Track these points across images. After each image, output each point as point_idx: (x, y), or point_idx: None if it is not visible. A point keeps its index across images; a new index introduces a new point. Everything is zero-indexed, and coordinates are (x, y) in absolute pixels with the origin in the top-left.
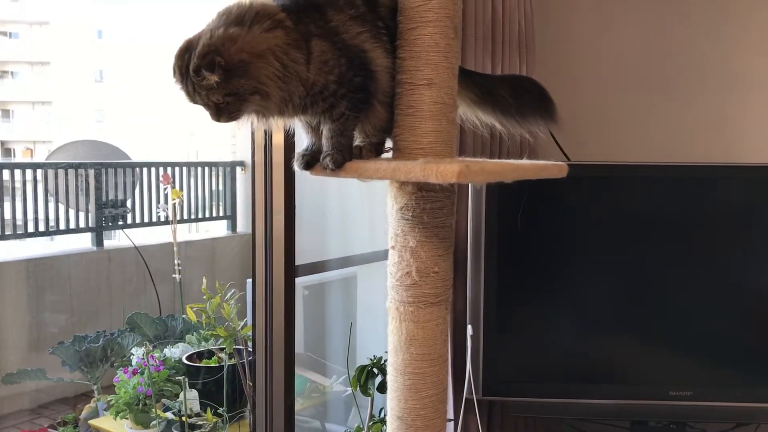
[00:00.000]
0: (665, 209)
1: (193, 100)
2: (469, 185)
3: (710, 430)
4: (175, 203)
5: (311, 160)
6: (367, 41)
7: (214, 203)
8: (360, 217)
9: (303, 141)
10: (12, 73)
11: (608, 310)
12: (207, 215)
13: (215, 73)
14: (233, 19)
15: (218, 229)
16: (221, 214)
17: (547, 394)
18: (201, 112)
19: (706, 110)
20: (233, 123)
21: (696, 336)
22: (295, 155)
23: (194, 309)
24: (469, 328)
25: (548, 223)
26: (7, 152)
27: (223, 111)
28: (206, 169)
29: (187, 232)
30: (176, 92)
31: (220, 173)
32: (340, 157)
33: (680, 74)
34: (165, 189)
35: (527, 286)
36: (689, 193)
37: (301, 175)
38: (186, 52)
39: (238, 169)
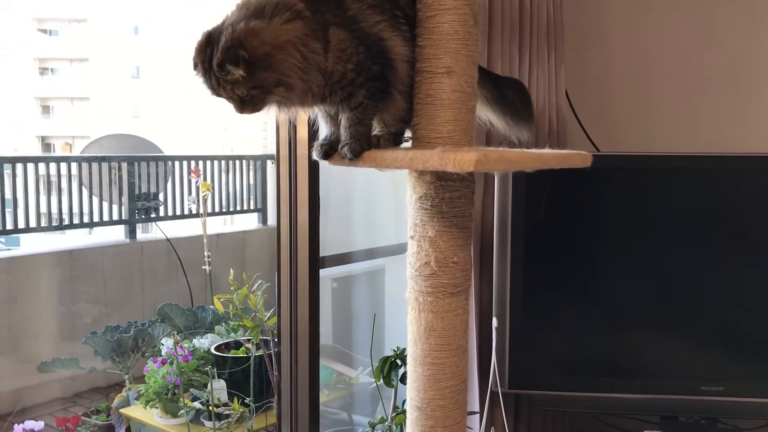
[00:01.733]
0: (696, 201)
1: (218, 94)
2: (495, 176)
3: (743, 426)
4: (205, 196)
5: (330, 150)
6: (386, 30)
7: (245, 196)
8: (387, 208)
9: (322, 131)
10: (52, 69)
11: (637, 302)
12: (238, 208)
13: (240, 67)
14: (253, 11)
15: (249, 221)
16: (252, 207)
17: (574, 387)
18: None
19: (740, 101)
20: (261, 115)
21: (728, 330)
22: (314, 145)
23: (221, 300)
24: (495, 320)
25: (576, 214)
26: (47, 147)
27: (247, 103)
28: (237, 162)
29: (222, 225)
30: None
31: (251, 167)
32: (358, 146)
33: (714, 63)
34: (197, 182)
35: (554, 278)
36: (721, 185)
37: (328, 168)
38: (207, 46)
39: (269, 162)
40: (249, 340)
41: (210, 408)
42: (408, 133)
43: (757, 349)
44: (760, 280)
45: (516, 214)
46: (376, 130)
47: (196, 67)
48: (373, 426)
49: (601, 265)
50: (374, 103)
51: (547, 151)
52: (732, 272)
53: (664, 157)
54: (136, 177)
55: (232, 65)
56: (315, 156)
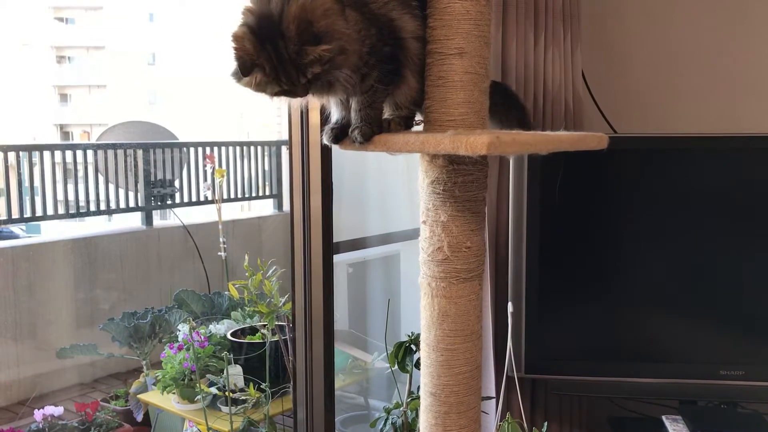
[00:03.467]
0: (715, 182)
1: (292, 84)
2: (511, 159)
3: (763, 410)
4: (220, 182)
5: (340, 134)
6: (395, 9)
7: (260, 182)
8: (402, 193)
9: (333, 114)
10: (69, 58)
11: (655, 285)
12: (254, 194)
13: (321, 44)
14: None
15: (265, 207)
16: (268, 193)
17: (591, 372)
18: (249, 95)
19: (760, 82)
20: (274, 101)
21: (748, 313)
22: (325, 129)
23: (236, 286)
24: (510, 305)
25: (592, 197)
26: (66, 135)
27: (313, 83)
28: (252, 148)
29: (240, 211)
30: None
31: (266, 152)
32: (369, 129)
33: (733, 44)
34: (211, 168)
35: (570, 262)
36: (742, 166)
37: (341, 153)
38: (265, 44)
39: (284, 148)
40: (264, 325)
41: (226, 393)
42: (419, 117)
43: None
44: None
45: (531, 198)
46: (387, 113)
47: (251, 70)
48: (388, 411)
49: (618, 248)
50: (384, 86)
51: (562, 133)
52: (752, 255)
53: (682, 138)
54: (151, 164)
55: (311, 45)
56: (325, 140)
